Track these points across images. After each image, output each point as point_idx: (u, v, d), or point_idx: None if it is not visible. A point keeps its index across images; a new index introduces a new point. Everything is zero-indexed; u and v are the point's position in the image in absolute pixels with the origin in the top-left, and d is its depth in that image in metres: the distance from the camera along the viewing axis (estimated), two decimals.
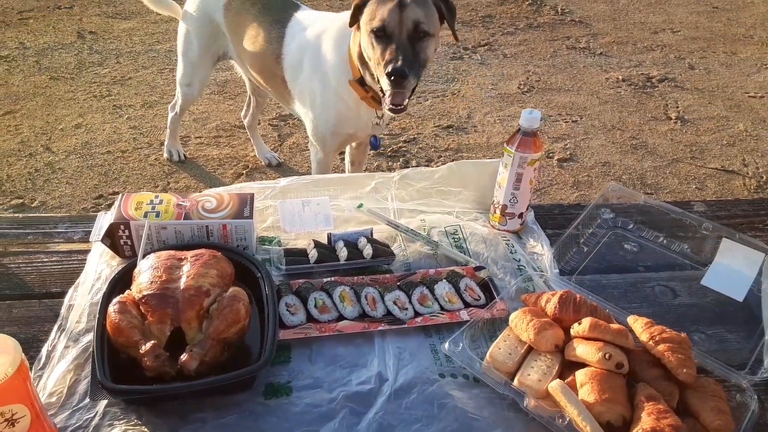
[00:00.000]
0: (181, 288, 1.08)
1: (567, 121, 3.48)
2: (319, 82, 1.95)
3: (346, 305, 1.21)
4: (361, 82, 1.84)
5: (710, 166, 3.22)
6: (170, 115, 2.75)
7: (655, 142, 3.37)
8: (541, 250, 1.42)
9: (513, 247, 1.43)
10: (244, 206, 1.34)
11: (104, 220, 1.32)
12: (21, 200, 2.53)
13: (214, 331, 1.05)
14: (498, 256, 1.39)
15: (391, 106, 1.72)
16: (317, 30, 1.97)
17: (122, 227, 1.29)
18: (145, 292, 1.08)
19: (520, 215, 1.47)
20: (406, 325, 1.19)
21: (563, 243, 1.40)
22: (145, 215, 1.29)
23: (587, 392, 1.01)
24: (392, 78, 1.64)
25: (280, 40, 2.06)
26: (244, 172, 2.88)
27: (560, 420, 0.99)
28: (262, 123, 3.32)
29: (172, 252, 1.18)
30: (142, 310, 1.07)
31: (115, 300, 1.08)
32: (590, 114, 3.59)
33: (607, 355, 1.05)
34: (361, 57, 1.81)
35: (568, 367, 1.09)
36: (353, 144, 2.28)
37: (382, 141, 3.21)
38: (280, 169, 2.94)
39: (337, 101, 1.92)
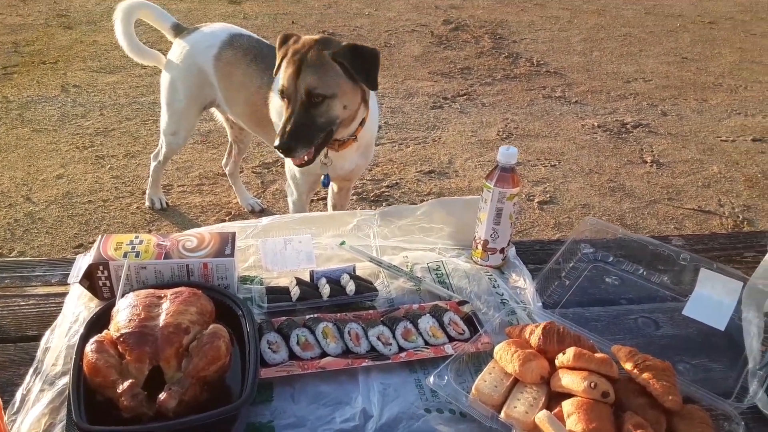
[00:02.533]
0: (160, 326, 1.07)
1: (546, 166, 3.55)
2: None
3: (329, 342, 1.20)
4: None
5: (687, 206, 3.29)
6: (153, 164, 2.76)
7: (632, 185, 3.44)
8: (523, 284, 1.43)
9: (496, 281, 1.43)
10: (225, 245, 1.34)
11: (83, 261, 1.31)
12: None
13: (193, 369, 1.03)
14: (481, 291, 1.39)
15: (294, 162, 1.78)
16: None
17: (101, 268, 1.27)
18: (123, 331, 1.06)
19: (502, 250, 1.48)
20: (390, 361, 1.18)
21: (545, 276, 1.41)
22: (125, 255, 1.28)
23: (574, 422, 1.00)
24: (279, 150, 1.70)
25: (269, 86, 2.10)
26: (227, 218, 2.88)
27: None
28: (246, 171, 3.35)
29: (151, 291, 1.17)
30: (120, 350, 1.05)
31: (92, 339, 1.06)
32: (568, 158, 3.67)
33: (592, 384, 1.04)
34: None
35: (555, 398, 1.08)
36: (334, 188, 2.30)
37: (365, 185, 3.25)
38: (263, 215, 2.94)
39: None
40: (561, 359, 1.11)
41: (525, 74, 5.06)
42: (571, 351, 1.10)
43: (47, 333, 1.20)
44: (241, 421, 1.05)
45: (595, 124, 4.15)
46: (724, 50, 5.99)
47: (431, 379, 1.10)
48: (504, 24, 6.44)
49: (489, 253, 1.48)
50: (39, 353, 1.15)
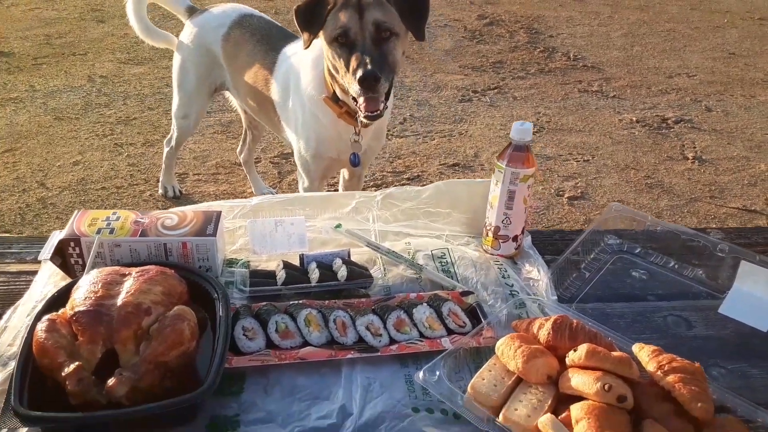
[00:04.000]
0: (118, 305, 0.96)
1: (578, 161, 3.36)
2: (300, 104, 1.88)
3: (311, 330, 1.07)
4: (334, 98, 1.76)
5: (731, 205, 3.05)
6: (165, 149, 2.70)
7: (671, 182, 3.22)
8: (537, 275, 1.28)
9: (506, 272, 1.29)
10: (208, 224, 1.23)
11: (56, 237, 1.22)
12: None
13: (151, 353, 0.92)
14: (488, 281, 1.25)
15: (366, 113, 1.63)
16: (301, 54, 1.92)
17: (72, 244, 1.18)
18: (77, 309, 0.95)
19: (515, 238, 1.33)
20: (379, 354, 1.05)
21: (561, 267, 1.26)
22: (98, 232, 1.19)
23: (583, 429, 0.86)
24: (363, 83, 1.55)
25: (272, 66, 2.00)
26: None
27: None
28: (263, 161, 3.26)
29: (117, 268, 1.06)
30: (74, 330, 0.94)
31: (45, 317, 0.96)
32: (602, 153, 3.46)
33: (606, 386, 0.89)
34: (330, 71, 1.74)
35: (563, 402, 0.94)
36: (345, 176, 2.18)
37: (384, 178, 3.12)
38: None
39: (314, 121, 1.84)
40: (572, 357, 0.96)
41: (560, 68, 4.85)
42: (583, 348, 0.96)
43: (9, 311, 1.11)
44: (203, 414, 0.94)
45: (634, 119, 3.92)
46: None
47: (421, 374, 0.96)
48: (541, 19, 6.23)
49: (500, 241, 1.33)
50: None
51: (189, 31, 2.30)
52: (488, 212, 1.34)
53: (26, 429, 0.88)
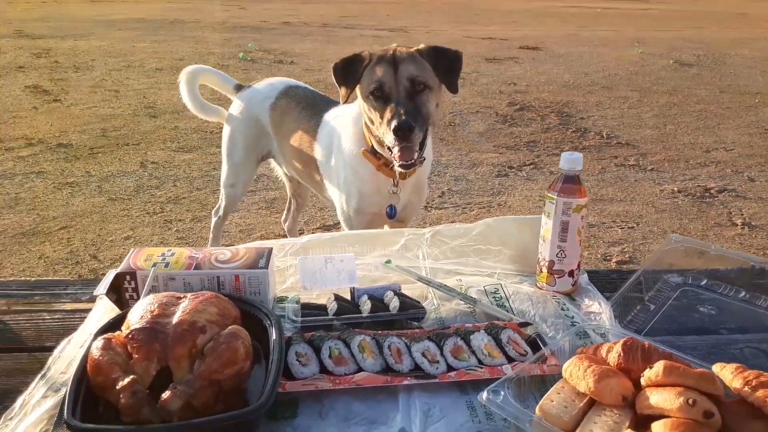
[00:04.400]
0: (174, 323, 0.95)
1: (623, 228, 3.31)
2: (341, 161, 1.94)
3: (366, 356, 1.04)
4: (372, 151, 1.82)
5: None
6: (213, 219, 2.76)
7: (723, 246, 3.12)
8: (598, 308, 1.22)
9: (565, 305, 1.24)
10: (260, 258, 1.23)
11: (112, 274, 1.23)
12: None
13: (206, 369, 0.89)
14: (547, 314, 1.20)
15: (401, 162, 1.67)
16: (343, 114, 2.00)
17: (128, 278, 1.19)
18: (133, 327, 0.95)
19: (571, 273, 1.29)
20: (437, 380, 1.00)
21: (623, 301, 1.21)
22: (153, 266, 1.20)
23: None
24: (398, 132, 1.61)
25: (315, 129, 2.09)
26: None
27: None
28: (305, 232, 3.30)
29: (173, 293, 1.06)
30: (129, 349, 0.93)
31: (101, 337, 0.95)
32: (647, 221, 3.41)
33: (690, 401, 0.82)
34: (367, 125, 1.80)
35: (641, 426, 0.86)
36: None
37: None
38: None
39: (354, 176, 1.89)
40: (648, 375, 0.90)
41: (595, 146, 4.90)
42: (660, 364, 0.89)
43: (63, 342, 1.10)
44: None
45: (675, 189, 3.89)
46: None
47: (485, 394, 0.90)
48: (570, 104, 6.38)
49: (556, 276, 1.29)
50: (50, 360, 1.05)
51: (238, 104, 2.43)
52: (541, 247, 1.31)
53: None
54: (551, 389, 0.94)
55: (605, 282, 1.36)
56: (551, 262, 1.29)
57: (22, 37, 10.36)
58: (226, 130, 2.47)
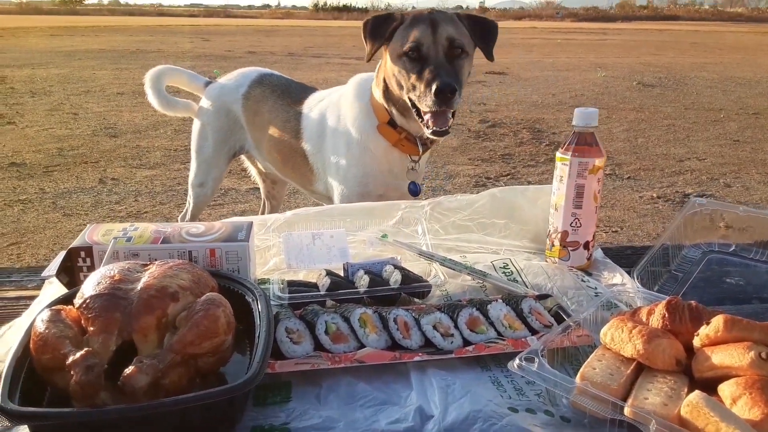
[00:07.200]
0: (139, 288, 0.78)
1: (607, 232, 3.24)
2: (343, 141, 1.79)
3: (368, 332, 0.88)
4: (392, 124, 1.68)
5: None
6: None
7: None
8: (621, 279, 1.10)
9: (584, 277, 1.11)
10: (239, 231, 1.07)
11: (63, 253, 1.05)
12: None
13: (179, 341, 0.73)
14: (566, 286, 1.07)
15: (434, 128, 1.54)
16: (334, 96, 1.87)
17: (83, 254, 1.01)
18: (87, 295, 0.77)
19: (586, 245, 1.16)
20: (453, 356, 0.85)
21: (647, 268, 1.08)
22: (114, 240, 1.02)
23: (746, 407, 0.66)
24: (439, 95, 1.48)
25: (298, 117, 1.95)
26: None
27: None
28: None
29: (135, 261, 0.89)
30: (83, 322, 0.76)
31: (47, 308, 0.78)
32: (630, 225, 3.35)
33: (763, 354, 0.69)
34: (386, 95, 1.67)
35: (704, 391, 0.73)
36: None
37: None
38: None
39: (363, 154, 1.75)
40: (705, 332, 0.77)
41: None
42: (719, 319, 0.77)
43: (2, 328, 0.92)
44: (242, 426, 0.73)
45: (654, 195, 3.85)
46: None
47: (516, 361, 0.76)
48: (541, 121, 6.40)
49: (570, 248, 1.16)
50: None
51: (208, 95, 2.27)
52: (552, 217, 1.18)
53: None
54: (591, 357, 0.80)
55: (621, 258, 1.24)
56: (564, 233, 1.16)
57: None
58: (196, 125, 2.29)
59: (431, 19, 1.61)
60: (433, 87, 1.48)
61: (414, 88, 1.55)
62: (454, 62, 1.59)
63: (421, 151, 1.70)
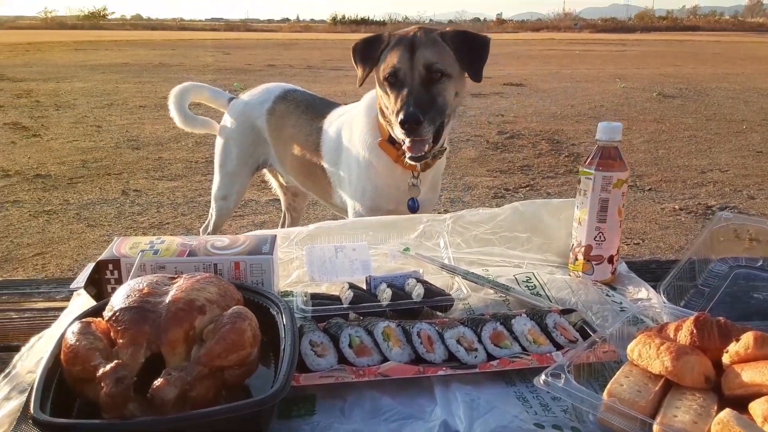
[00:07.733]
0: (167, 302, 0.79)
1: (629, 244, 3.20)
2: (353, 157, 1.80)
3: (391, 345, 0.88)
4: (390, 141, 1.68)
5: None
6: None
7: None
8: (646, 294, 1.09)
9: (609, 291, 1.10)
10: (263, 244, 1.08)
11: (92, 265, 1.07)
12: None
13: (206, 354, 0.74)
14: (590, 300, 1.06)
15: (410, 154, 1.54)
16: (351, 112, 1.88)
17: (110, 267, 1.03)
18: (117, 307, 0.79)
19: (611, 259, 1.16)
20: (477, 370, 0.85)
21: (674, 283, 1.07)
22: (141, 253, 1.04)
23: None
24: (404, 125, 1.48)
25: (319, 131, 1.97)
26: None
27: None
28: None
29: (164, 274, 0.91)
30: (112, 334, 0.77)
31: (78, 321, 0.79)
32: (652, 237, 3.31)
33: None
34: (382, 113, 1.68)
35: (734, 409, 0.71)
36: None
37: None
38: None
39: (368, 169, 1.75)
40: (735, 349, 0.76)
41: None
42: (749, 335, 0.76)
43: (33, 339, 0.94)
44: None
45: (677, 207, 3.81)
46: None
47: (542, 377, 0.75)
48: (560, 132, 6.37)
49: (594, 263, 1.16)
50: (16, 358, 0.88)
51: (232, 111, 2.30)
52: (576, 231, 1.17)
53: None
54: (618, 373, 0.79)
55: (645, 272, 1.23)
56: (588, 247, 1.15)
57: (3, 80, 10.26)
58: (219, 140, 2.32)
59: (411, 42, 1.58)
60: (399, 117, 1.49)
61: (392, 113, 1.56)
62: (433, 87, 1.56)
63: (419, 167, 1.68)
